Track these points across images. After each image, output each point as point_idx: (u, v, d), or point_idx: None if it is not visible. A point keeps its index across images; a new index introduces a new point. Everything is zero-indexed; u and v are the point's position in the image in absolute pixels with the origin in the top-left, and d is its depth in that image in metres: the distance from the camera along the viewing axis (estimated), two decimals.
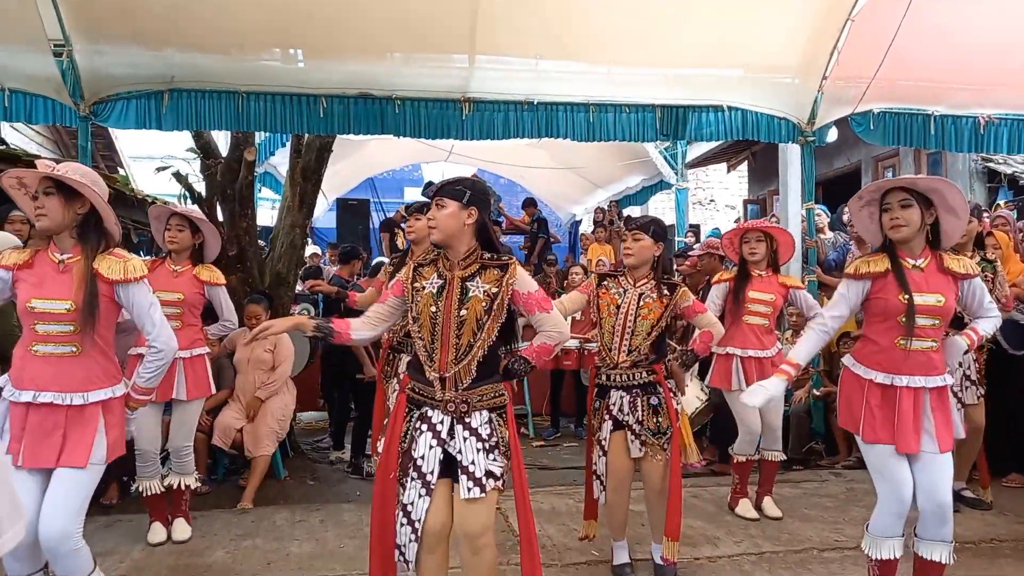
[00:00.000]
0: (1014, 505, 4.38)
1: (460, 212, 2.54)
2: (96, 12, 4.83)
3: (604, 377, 3.43)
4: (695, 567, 3.54)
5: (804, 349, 2.94)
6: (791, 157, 7.56)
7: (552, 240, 11.66)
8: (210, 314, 4.25)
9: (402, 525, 2.51)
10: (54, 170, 2.56)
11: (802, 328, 6.00)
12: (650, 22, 5.38)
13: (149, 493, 3.84)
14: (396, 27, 5.16)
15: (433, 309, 2.54)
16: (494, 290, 2.55)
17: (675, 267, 7.67)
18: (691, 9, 5.32)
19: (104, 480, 4.74)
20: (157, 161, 5.90)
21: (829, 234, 7.20)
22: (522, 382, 7.51)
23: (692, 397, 5.14)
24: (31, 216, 2.68)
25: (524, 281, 2.59)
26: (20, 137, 7.98)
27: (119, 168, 9.15)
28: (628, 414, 3.36)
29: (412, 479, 2.52)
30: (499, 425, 2.57)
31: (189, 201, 5.27)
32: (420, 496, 2.50)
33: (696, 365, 5.32)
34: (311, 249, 10.56)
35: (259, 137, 7.02)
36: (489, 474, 2.50)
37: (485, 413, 2.56)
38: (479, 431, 2.53)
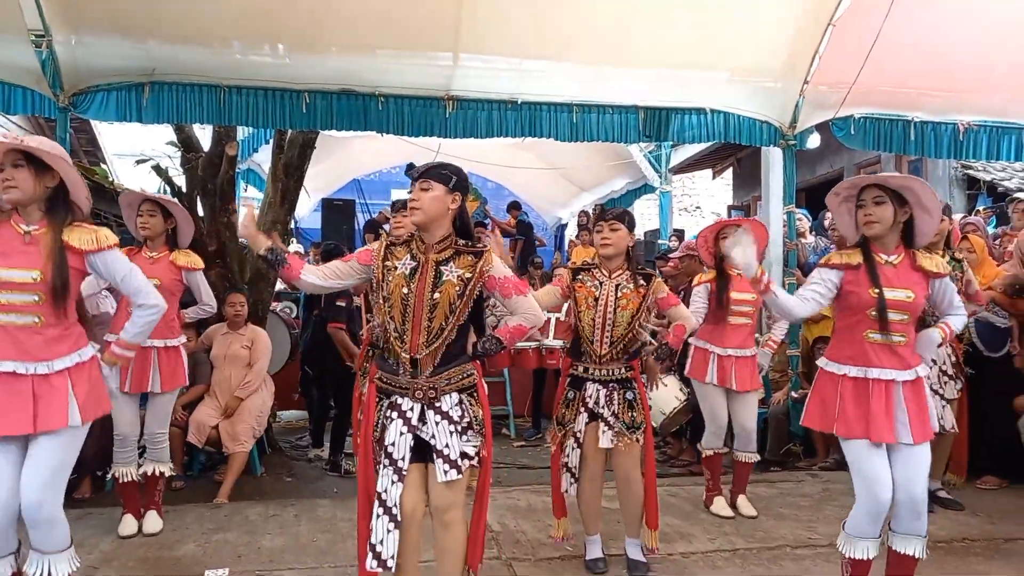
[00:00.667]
0: (987, 506, 4.41)
1: (446, 196, 2.57)
2: (76, 2, 4.80)
3: (581, 369, 3.42)
4: (668, 563, 3.54)
5: (783, 295, 2.91)
6: (773, 161, 7.62)
7: (537, 243, 11.68)
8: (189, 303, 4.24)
9: (378, 517, 2.52)
10: (23, 142, 2.55)
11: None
12: (634, 23, 5.40)
13: (125, 480, 3.82)
14: (380, 23, 5.15)
15: (405, 290, 2.55)
16: (467, 275, 2.58)
17: (657, 269, 7.70)
18: (675, 11, 5.34)
19: (78, 475, 4.77)
20: (147, 169, 5.85)
21: (810, 239, 7.26)
22: (505, 384, 7.51)
23: (671, 397, 5.16)
24: None
25: (499, 267, 2.62)
26: None
27: (102, 164, 9.08)
28: (604, 407, 3.36)
29: (384, 467, 2.54)
30: (470, 405, 2.61)
31: (169, 195, 5.24)
32: (393, 483, 2.52)
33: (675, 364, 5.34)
34: (295, 248, 10.52)
35: (242, 134, 7.00)
36: (464, 455, 2.56)
37: (455, 395, 2.59)
38: (450, 414, 2.56)
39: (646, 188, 9.57)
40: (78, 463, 4.66)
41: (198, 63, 5.10)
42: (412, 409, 2.55)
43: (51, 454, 2.54)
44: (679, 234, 10.43)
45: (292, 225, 10.63)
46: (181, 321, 4.12)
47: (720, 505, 4.27)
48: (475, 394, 2.63)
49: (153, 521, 3.89)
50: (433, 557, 2.74)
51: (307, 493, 5.05)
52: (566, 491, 3.44)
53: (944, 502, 4.40)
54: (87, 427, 2.69)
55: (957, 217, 6.03)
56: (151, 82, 5.08)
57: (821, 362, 2.92)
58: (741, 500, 4.29)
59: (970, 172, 8.07)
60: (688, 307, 4.04)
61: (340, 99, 5.35)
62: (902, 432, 2.73)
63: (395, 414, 2.56)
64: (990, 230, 6.66)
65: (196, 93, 5.15)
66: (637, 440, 3.34)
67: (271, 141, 6.36)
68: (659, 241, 9.36)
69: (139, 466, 3.92)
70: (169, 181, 5.30)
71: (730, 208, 12.47)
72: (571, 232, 12.88)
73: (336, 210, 11.11)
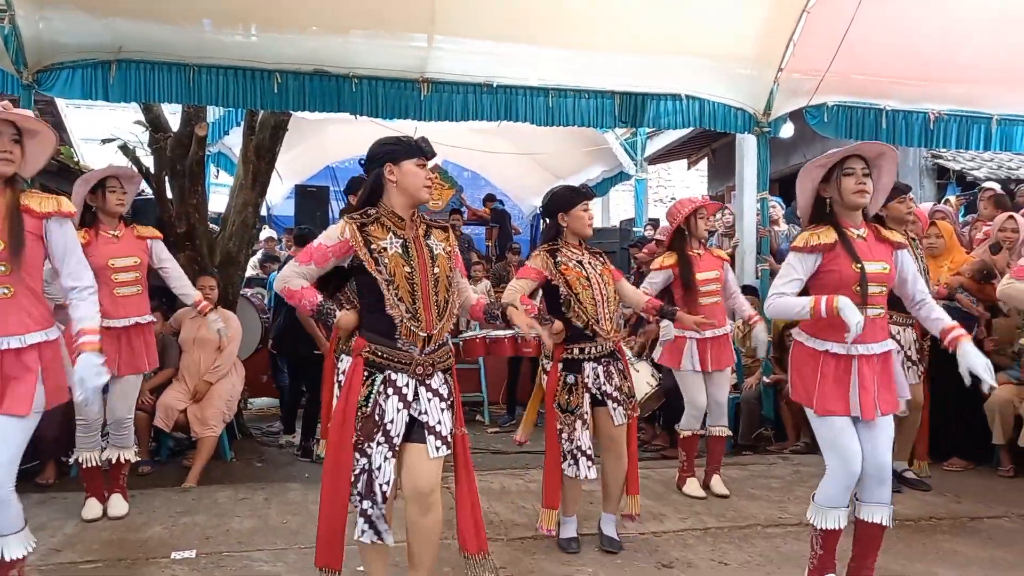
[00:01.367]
0: (953, 486, 4.48)
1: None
2: None
3: (576, 351, 3.37)
4: (640, 542, 3.56)
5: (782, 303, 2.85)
6: (747, 150, 7.67)
7: (514, 231, 11.67)
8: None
9: (369, 496, 2.47)
10: (11, 111, 2.54)
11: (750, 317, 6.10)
12: (609, 8, 5.38)
13: (88, 465, 3.74)
14: (354, 3, 5.09)
15: (407, 269, 2.52)
16: (448, 249, 2.65)
17: (632, 256, 7.73)
18: None
19: (41, 460, 4.67)
20: (113, 148, 5.72)
21: (783, 226, 7.31)
22: (480, 371, 7.48)
23: (643, 383, 5.16)
24: None
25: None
26: None
27: (69, 147, 8.92)
28: (605, 383, 3.38)
29: (379, 444, 2.49)
30: (451, 385, 2.64)
31: None
32: (386, 459, 2.49)
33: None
34: (267, 233, 10.42)
35: (213, 116, 6.89)
36: (451, 432, 2.58)
37: (441, 374, 2.61)
38: (440, 391, 2.59)
39: (622, 176, 9.59)
40: (41, 448, 4.62)
41: (167, 41, 4.99)
42: (408, 385, 2.53)
43: (9, 437, 2.47)
44: (654, 223, 10.47)
45: (265, 211, 10.54)
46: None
47: (692, 486, 4.29)
48: (452, 375, 2.67)
49: (118, 504, 3.82)
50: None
51: (278, 478, 4.99)
52: (585, 477, 3.30)
53: (911, 483, 4.47)
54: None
55: (927, 205, 6.10)
56: (118, 60, 4.96)
57: (798, 335, 2.89)
58: (715, 480, 4.32)
59: (940, 162, 8.18)
60: (639, 287, 4.12)
61: (313, 80, 5.26)
62: (878, 407, 2.75)
63: (391, 390, 2.52)
64: (960, 218, 6.76)
65: (164, 72, 5.04)
66: (636, 408, 3.43)
67: (242, 124, 6.27)
68: (634, 229, 9.38)
69: (102, 450, 3.84)
70: (136, 161, 5.19)
71: (709, 197, 12.52)
72: None
73: (310, 196, 10.98)
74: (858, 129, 6.18)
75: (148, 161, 5.41)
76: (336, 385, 4.03)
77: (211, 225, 6.00)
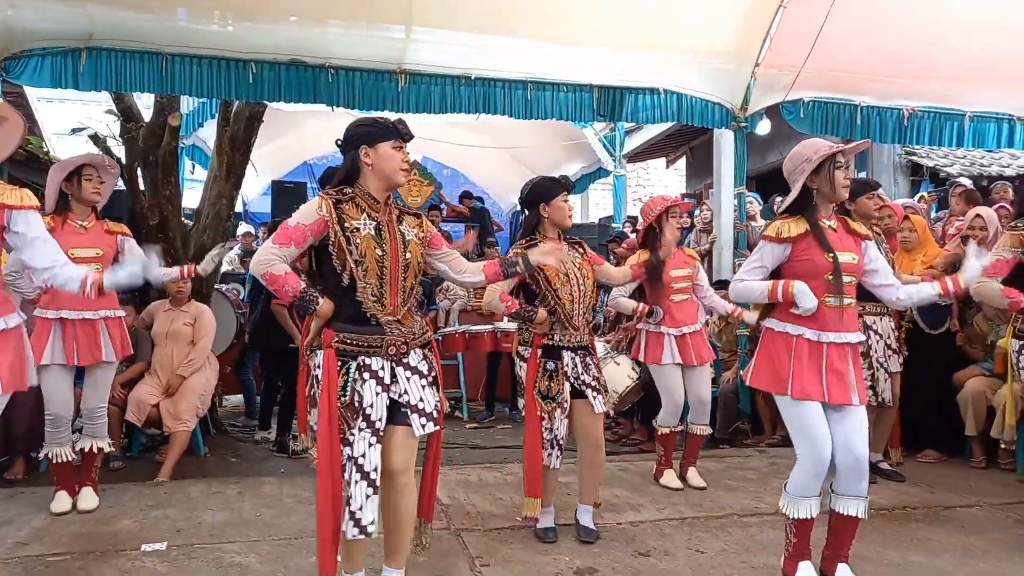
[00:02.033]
0: (927, 478, 4.52)
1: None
2: None
3: (556, 339, 3.36)
4: (617, 531, 3.55)
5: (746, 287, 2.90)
6: (725, 147, 7.68)
7: (496, 228, 11.63)
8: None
9: (356, 483, 2.44)
10: None
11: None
12: (589, 1, 5.38)
13: (58, 460, 3.65)
14: None
15: (379, 252, 2.50)
16: (420, 235, 2.64)
17: (610, 252, 7.73)
18: None
19: (10, 455, 4.58)
20: (81, 135, 5.62)
21: (761, 222, 7.35)
22: (458, 367, 7.45)
23: (623, 376, 5.15)
24: None
25: (431, 226, 2.76)
26: None
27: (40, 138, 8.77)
28: (583, 372, 3.38)
29: (361, 430, 2.45)
30: (432, 360, 2.64)
31: None
32: (371, 445, 2.47)
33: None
34: (244, 229, 10.31)
35: (186, 107, 6.79)
36: (435, 408, 2.58)
37: (419, 350, 2.60)
38: (419, 368, 2.57)
39: (601, 172, 9.60)
40: (10, 444, 4.51)
41: (139, 28, 4.90)
42: (383, 368, 2.50)
43: None
44: (633, 221, 10.50)
45: (241, 207, 10.42)
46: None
47: (669, 477, 4.28)
48: (431, 350, 2.67)
49: (88, 498, 3.74)
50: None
51: (253, 472, 4.93)
52: (555, 467, 3.33)
53: (886, 473, 4.50)
54: (6, 398, 2.59)
55: (901, 201, 6.16)
56: (89, 47, 4.86)
57: (769, 322, 2.90)
58: (692, 472, 4.32)
59: (914, 158, 8.29)
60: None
61: (289, 70, 5.19)
62: (851, 393, 2.77)
63: (367, 375, 2.48)
64: (932, 214, 6.84)
65: (137, 60, 4.94)
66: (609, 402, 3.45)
67: (216, 116, 6.19)
68: (613, 225, 9.39)
69: (74, 443, 3.76)
70: (108, 151, 5.11)
71: (683, 196, 12.58)
72: None
73: (287, 192, 10.85)
74: (833, 125, 6.23)
75: (120, 151, 5.32)
76: (313, 381, 3.96)
77: (185, 221, 5.91)
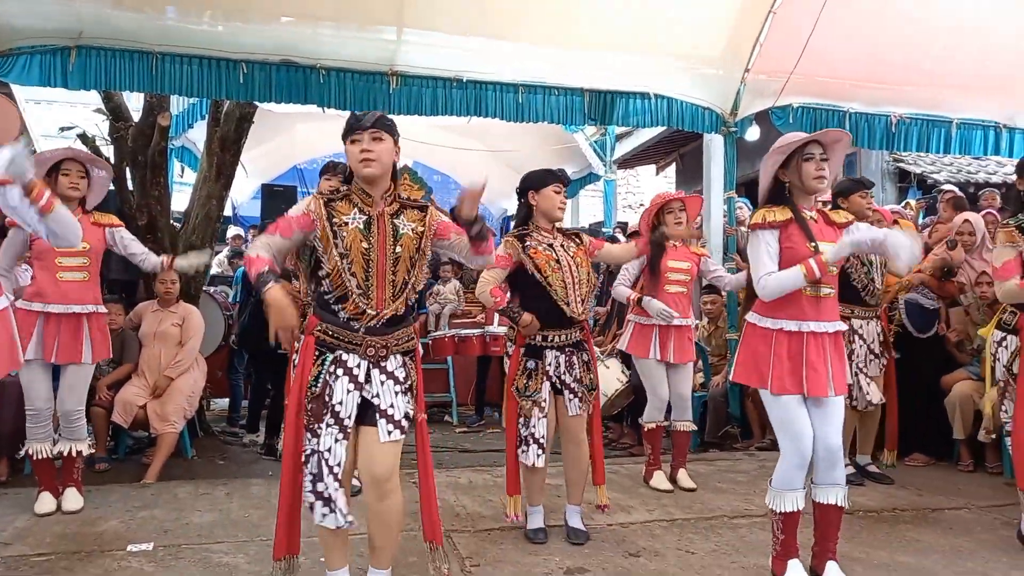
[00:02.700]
0: (915, 480, 4.54)
1: (394, 147, 2.57)
2: None
3: (539, 338, 3.35)
4: (607, 532, 3.54)
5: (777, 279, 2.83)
6: (714, 152, 7.73)
7: (489, 233, 11.62)
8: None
9: (322, 478, 2.42)
10: None
11: (716, 316, 6.15)
12: (580, 5, 5.41)
13: (39, 457, 3.61)
14: None
15: (365, 245, 2.50)
16: (420, 229, 2.61)
17: None
18: None
19: None
20: (71, 137, 5.57)
21: None
22: (448, 371, 7.43)
23: (613, 379, 5.16)
24: None
25: (441, 215, 2.71)
26: None
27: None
28: (565, 372, 3.36)
29: (328, 425, 2.45)
30: (411, 369, 2.60)
31: None
32: (337, 441, 2.45)
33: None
34: (234, 231, 10.27)
35: (176, 108, 6.75)
36: (406, 416, 2.53)
37: (399, 357, 2.57)
38: (395, 374, 2.54)
39: (591, 177, 9.61)
40: None
41: (129, 27, 4.87)
42: (359, 366, 2.49)
43: None
44: (623, 226, 10.52)
45: (231, 211, 10.37)
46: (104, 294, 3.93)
47: (660, 479, 4.28)
48: (414, 358, 2.64)
49: (73, 498, 3.70)
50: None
51: (240, 474, 4.88)
52: (533, 465, 3.30)
53: (875, 476, 4.52)
54: None
55: (889, 207, 6.21)
56: (78, 46, 4.83)
57: (751, 317, 2.93)
58: (681, 474, 4.32)
59: (901, 165, 8.36)
60: (612, 284, 4.16)
61: (280, 71, 5.17)
62: (828, 386, 2.79)
63: (340, 371, 2.48)
64: (920, 221, 6.89)
65: (126, 59, 4.90)
66: (597, 400, 3.43)
67: (206, 117, 6.16)
68: (603, 230, 9.41)
69: (54, 442, 3.71)
70: (96, 151, 5.08)
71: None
72: None
73: (277, 196, 10.79)
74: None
75: (108, 151, 5.28)
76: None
77: (174, 223, 5.87)
